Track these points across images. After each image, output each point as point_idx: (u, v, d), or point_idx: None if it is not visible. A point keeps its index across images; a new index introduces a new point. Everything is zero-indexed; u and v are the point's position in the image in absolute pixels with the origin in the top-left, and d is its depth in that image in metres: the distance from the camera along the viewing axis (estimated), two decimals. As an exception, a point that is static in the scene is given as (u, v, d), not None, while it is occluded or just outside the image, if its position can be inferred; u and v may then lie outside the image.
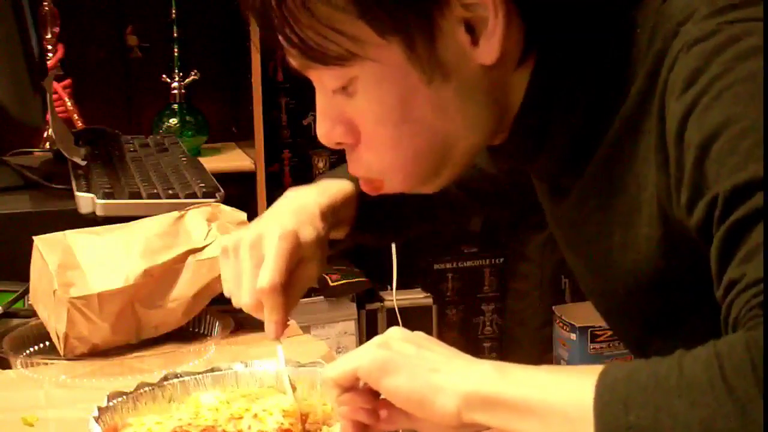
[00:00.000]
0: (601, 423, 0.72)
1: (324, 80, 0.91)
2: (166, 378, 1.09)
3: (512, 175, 1.20)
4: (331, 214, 1.12)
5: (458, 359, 0.82)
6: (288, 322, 1.06)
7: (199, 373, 1.10)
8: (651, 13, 0.88)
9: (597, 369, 0.75)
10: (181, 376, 1.09)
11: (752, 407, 0.68)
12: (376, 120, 0.90)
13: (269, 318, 1.03)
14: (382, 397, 0.84)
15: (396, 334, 0.85)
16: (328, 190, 1.14)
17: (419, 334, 0.86)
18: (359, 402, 0.85)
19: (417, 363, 0.81)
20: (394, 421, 0.86)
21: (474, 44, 0.88)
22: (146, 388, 1.07)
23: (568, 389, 0.75)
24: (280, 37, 0.89)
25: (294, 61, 0.91)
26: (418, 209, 1.28)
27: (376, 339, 0.85)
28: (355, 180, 1.15)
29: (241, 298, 1.05)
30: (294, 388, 1.05)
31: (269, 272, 1.02)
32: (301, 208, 1.09)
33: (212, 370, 1.11)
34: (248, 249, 1.05)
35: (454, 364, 0.81)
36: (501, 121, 0.93)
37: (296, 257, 1.04)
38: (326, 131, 0.93)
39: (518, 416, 0.77)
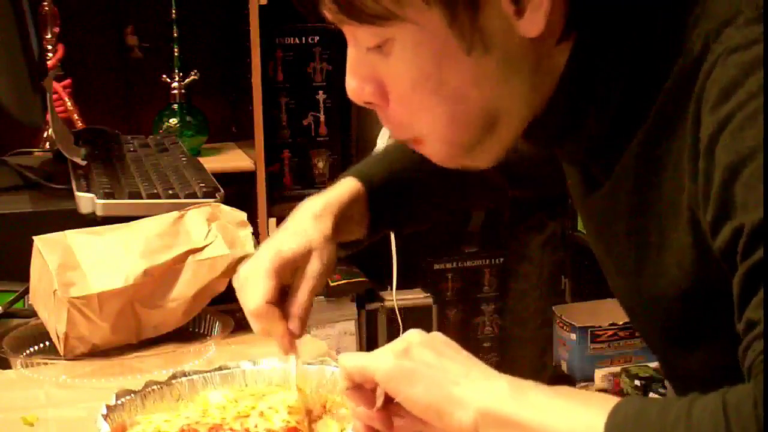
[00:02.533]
0: None
1: (358, 37, 0.88)
2: (174, 376, 1.09)
3: (548, 158, 1.17)
4: (333, 212, 1.10)
5: (477, 370, 0.82)
6: (299, 333, 1.05)
7: (207, 372, 1.10)
8: (695, 6, 0.86)
9: (611, 402, 0.75)
10: (189, 375, 1.09)
11: None
12: (411, 85, 0.87)
13: (274, 334, 1.05)
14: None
15: (415, 338, 0.85)
16: (331, 190, 1.14)
17: (437, 337, 0.85)
18: (364, 401, 0.86)
19: (436, 374, 0.82)
20: (409, 428, 0.87)
21: (519, 15, 0.84)
22: (154, 387, 1.07)
23: (580, 421, 0.75)
24: None
25: (328, 15, 0.87)
26: (441, 190, 1.25)
27: (395, 344, 0.85)
28: (364, 178, 1.16)
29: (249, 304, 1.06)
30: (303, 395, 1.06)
31: (251, 296, 1.04)
32: (298, 216, 1.10)
33: (220, 368, 1.11)
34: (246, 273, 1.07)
35: (473, 376, 0.81)
36: (548, 95, 0.90)
37: (285, 270, 1.05)
38: (354, 89, 0.90)
39: None
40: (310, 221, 1.09)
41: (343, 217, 1.11)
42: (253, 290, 1.04)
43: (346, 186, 1.15)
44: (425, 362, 0.83)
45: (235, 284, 1.09)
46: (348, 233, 1.14)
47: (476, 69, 0.85)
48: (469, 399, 0.80)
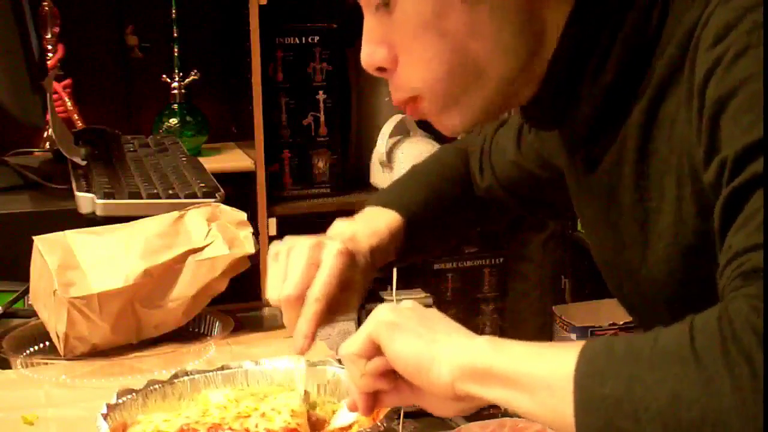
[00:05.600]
0: (579, 394, 0.74)
1: None
2: (176, 376, 1.09)
3: (546, 168, 1.20)
4: (378, 253, 1.13)
5: (458, 333, 0.85)
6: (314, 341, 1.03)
7: (209, 371, 1.11)
8: None
9: (581, 343, 0.77)
10: (190, 374, 1.10)
11: (717, 378, 0.69)
12: (413, 33, 0.92)
13: (302, 329, 1.01)
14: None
15: (407, 303, 0.89)
16: (377, 228, 1.16)
17: (428, 309, 0.89)
18: (385, 364, 0.88)
19: (419, 331, 0.85)
20: (401, 394, 0.90)
21: None
22: (156, 386, 1.07)
23: (552, 362, 0.77)
24: None
25: None
26: (465, 220, 1.31)
27: (386, 305, 0.88)
28: (403, 209, 1.19)
29: (284, 289, 1.03)
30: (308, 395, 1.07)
31: (324, 282, 1.02)
32: (354, 240, 1.10)
33: (222, 368, 1.11)
34: (307, 249, 1.04)
35: (452, 336, 0.85)
36: (534, 54, 0.92)
37: (346, 279, 1.04)
38: (368, 54, 0.95)
39: (507, 388, 0.79)
40: (365, 252, 1.10)
41: (378, 250, 1.14)
42: (325, 274, 1.03)
43: (386, 223, 1.18)
44: (411, 319, 0.86)
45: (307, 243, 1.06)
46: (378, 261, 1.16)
47: (471, 17, 0.89)
48: (447, 355, 0.82)
